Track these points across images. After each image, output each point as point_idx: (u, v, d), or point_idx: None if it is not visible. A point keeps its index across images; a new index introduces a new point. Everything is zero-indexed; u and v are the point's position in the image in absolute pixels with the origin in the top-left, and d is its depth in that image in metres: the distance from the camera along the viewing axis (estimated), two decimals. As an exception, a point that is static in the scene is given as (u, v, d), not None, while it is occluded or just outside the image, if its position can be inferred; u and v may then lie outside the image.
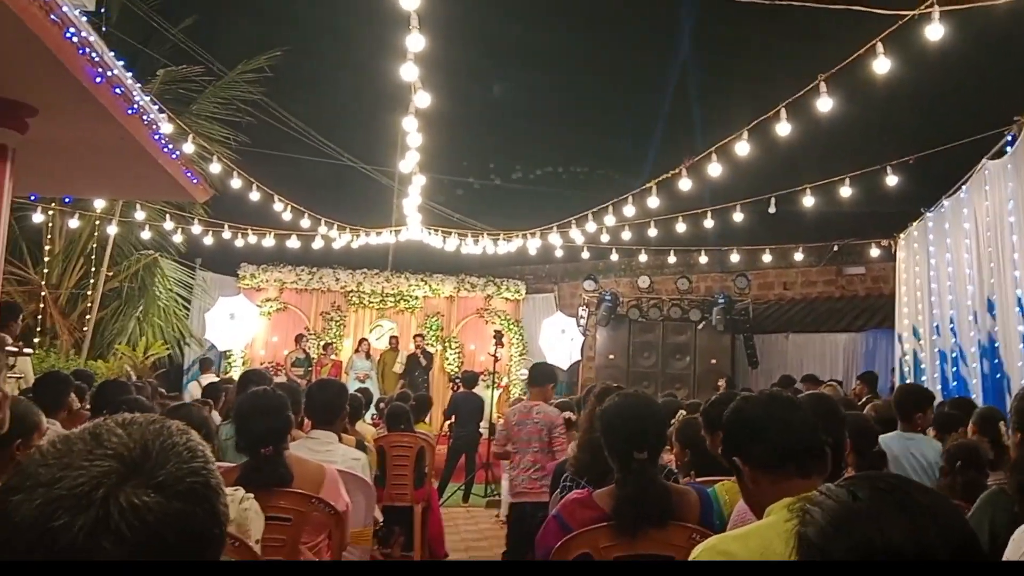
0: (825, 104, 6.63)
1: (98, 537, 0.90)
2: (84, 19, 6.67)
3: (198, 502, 0.96)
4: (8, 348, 6.09)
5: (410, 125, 8.73)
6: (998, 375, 7.55)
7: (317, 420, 4.44)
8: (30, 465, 0.95)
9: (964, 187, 8.54)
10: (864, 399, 9.35)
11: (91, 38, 6.37)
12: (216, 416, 6.09)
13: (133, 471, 0.94)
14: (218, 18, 17.58)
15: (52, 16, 5.73)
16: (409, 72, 6.78)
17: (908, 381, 10.91)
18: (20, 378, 6.76)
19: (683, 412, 5.19)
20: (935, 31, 5.53)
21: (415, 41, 6.17)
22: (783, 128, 7.20)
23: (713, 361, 14.42)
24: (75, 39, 6.07)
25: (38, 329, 12.30)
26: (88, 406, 5.37)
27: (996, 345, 7.59)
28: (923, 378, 10.22)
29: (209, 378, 11.78)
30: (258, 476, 3.25)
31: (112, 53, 6.91)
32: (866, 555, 1.10)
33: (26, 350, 7.26)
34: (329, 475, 3.49)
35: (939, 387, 9.46)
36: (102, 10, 10.74)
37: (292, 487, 3.36)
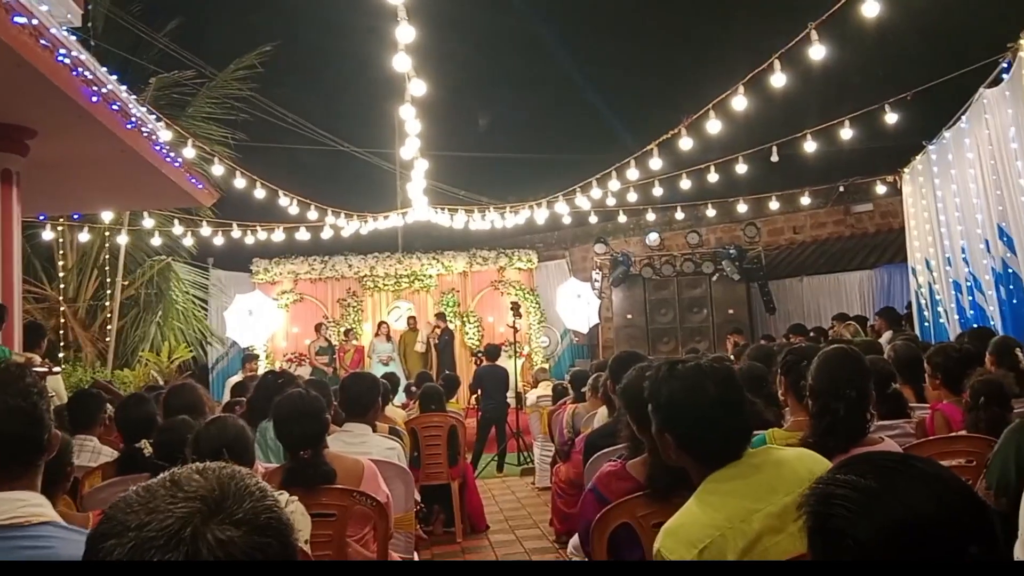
0: (818, 52, 6.63)
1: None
2: (73, 38, 6.71)
3: (274, 535, 1.05)
4: (37, 369, 6.19)
5: (407, 113, 8.79)
6: (1015, 300, 7.59)
7: (351, 413, 4.54)
8: (116, 513, 1.04)
9: (964, 117, 8.51)
10: (886, 335, 9.44)
11: (82, 57, 6.40)
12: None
13: (215, 510, 1.02)
14: (203, 17, 17.51)
15: (42, 40, 5.77)
16: (402, 63, 6.81)
17: (925, 314, 10.96)
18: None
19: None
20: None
21: (405, 32, 6.20)
22: (778, 79, 7.21)
23: (731, 311, 14.45)
24: (67, 60, 6.11)
25: (61, 344, 12.44)
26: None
27: (1011, 271, 7.61)
28: (939, 308, 10.26)
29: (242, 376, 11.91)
30: (303, 476, 3.34)
31: (104, 69, 6.96)
32: (897, 530, 1.18)
33: (55, 369, 7.37)
34: (368, 469, 3.59)
35: (956, 316, 9.50)
36: (88, 24, 10.74)
37: (334, 483, 3.46)
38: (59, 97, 6.16)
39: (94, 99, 6.43)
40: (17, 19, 5.21)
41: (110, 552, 1.00)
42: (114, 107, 6.83)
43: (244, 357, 13.98)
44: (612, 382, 4.27)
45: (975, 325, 8.14)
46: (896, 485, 1.21)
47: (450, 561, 6.63)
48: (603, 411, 5.28)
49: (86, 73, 6.33)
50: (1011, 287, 7.66)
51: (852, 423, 2.86)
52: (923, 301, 11.13)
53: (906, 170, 11.48)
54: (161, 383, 12.37)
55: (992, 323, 8.04)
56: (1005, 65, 7.23)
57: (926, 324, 10.88)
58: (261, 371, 12.91)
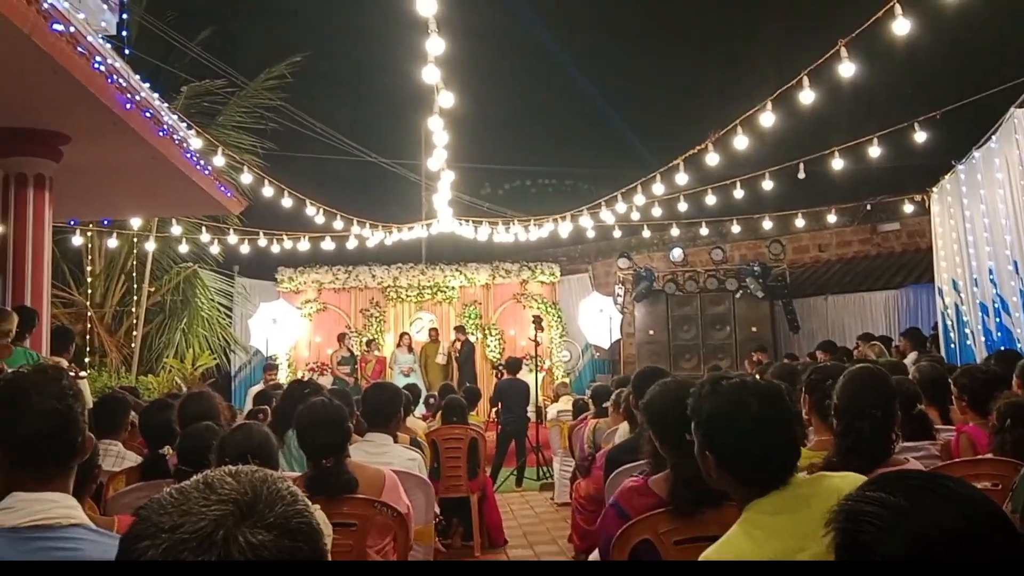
0: (847, 69, 6.62)
1: None
2: (108, 45, 6.81)
3: (304, 540, 1.06)
4: (65, 373, 6.23)
5: (435, 124, 8.87)
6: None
7: (372, 423, 4.56)
8: (150, 514, 1.05)
9: (994, 137, 8.45)
10: (911, 356, 9.35)
11: (117, 64, 6.50)
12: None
13: (247, 514, 1.03)
14: (234, 27, 17.73)
15: (79, 48, 5.86)
16: (431, 74, 6.88)
17: (952, 335, 10.86)
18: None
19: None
20: (953, -12, 5.51)
21: (435, 44, 6.26)
22: (807, 96, 7.20)
23: (754, 329, 14.36)
24: (102, 68, 6.21)
25: (87, 349, 12.56)
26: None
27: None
28: (966, 330, 10.17)
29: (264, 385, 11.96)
30: (324, 485, 3.35)
31: (138, 76, 7.06)
32: (925, 547, 1.18)
33: (82, 374, 7.45)
34: (389, 480, 3.60)
35: (983, 339, 9.41)
36: (123, 33, 10.89)
37: (356, 493, 3.47)
38: (94, 104, 6.26)
39: (128, 106, 6.53)
40: (55, 26, 5.30)
41: (143, 553, 1.02)
42: (147, 114, 6.92)
43: (265, 366, 14.06)
44: (635, 397, 4.26)
45: (1002, 347, 8.06)
46: (924, 503, 1.22)
47: (469, 561, 6.62)
48: (624, 427, 5.27)
49: (120, 80, 6.43)
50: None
51: (877, 443, 2.83)
52: (949, 322, 11.03)
53: (934, 189, 11.40)
54: (185, 390, 12.48)
55: (1019, 346, 7.96)
56: (1037, 86, 7.19)
57: (952, 346, 10.78)
58: (280, 380, 12.99)
